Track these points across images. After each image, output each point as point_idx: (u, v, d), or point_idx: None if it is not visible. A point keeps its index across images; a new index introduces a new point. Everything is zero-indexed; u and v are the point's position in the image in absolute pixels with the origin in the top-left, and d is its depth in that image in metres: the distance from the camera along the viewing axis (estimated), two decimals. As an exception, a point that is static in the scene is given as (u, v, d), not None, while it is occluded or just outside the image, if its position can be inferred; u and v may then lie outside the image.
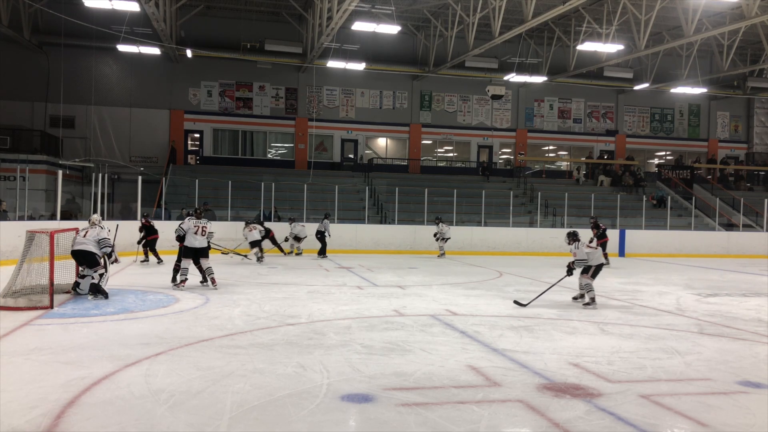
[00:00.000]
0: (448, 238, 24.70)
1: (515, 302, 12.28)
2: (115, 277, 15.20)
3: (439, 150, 40.29)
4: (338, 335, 9.03)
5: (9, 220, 20.60)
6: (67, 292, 12.48)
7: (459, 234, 27.70)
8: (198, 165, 35.70)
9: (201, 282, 14.55)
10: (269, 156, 37.26)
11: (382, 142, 39.46)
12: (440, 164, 39.78)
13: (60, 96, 30.74)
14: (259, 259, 21.11)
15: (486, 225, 28.92)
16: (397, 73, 37.33)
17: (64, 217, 21.71)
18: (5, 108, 32.86)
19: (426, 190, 28.98)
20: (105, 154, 33.22)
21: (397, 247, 26.27)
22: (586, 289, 12.73)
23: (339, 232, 26.32)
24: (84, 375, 6.68)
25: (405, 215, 28.37)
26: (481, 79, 37.54)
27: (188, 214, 15.40)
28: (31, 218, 23.21)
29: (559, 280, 13.52)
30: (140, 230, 19.93)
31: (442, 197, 30.57)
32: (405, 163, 38.82)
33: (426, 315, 11.06)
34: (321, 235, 24.00)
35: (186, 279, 14.09)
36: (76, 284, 12.49)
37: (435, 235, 24.83)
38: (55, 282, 11.25)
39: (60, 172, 21.18)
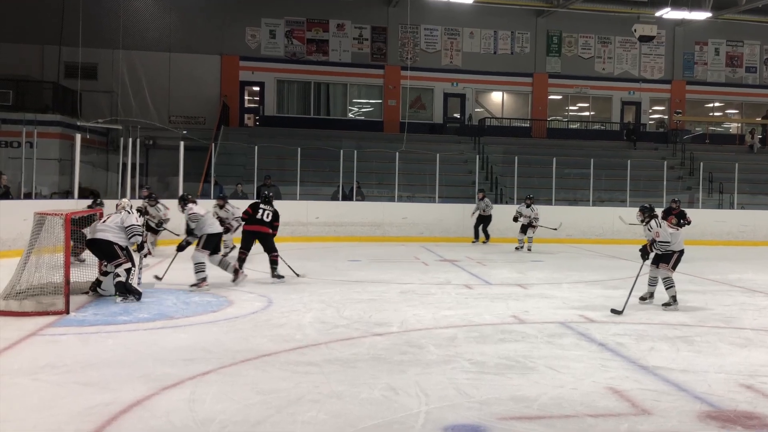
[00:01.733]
0: (536, 227, 24.00)
1: (612, 311, 11.98)
2: (148, 273, 14.99)
3: (571, 107, 39.89)
4: (440, 348, 8.99)
5: (12, 198, 20.45)
6: (85, 293, 12.31)
7: (597, 216, 27.47)
8: (257, 127, 36.15)
9: (233, 279, 14.49)
10: (350, 115, 37.52)
11: (496, 98, 39.26)
12: (572, 126, 39.40)
13: (78, 38, 29.26)
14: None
15: (632, 205, 28.43)
16: (516, 7, 37.02)
17: (83, 195, 21.34)
18: (8, 53, 32.58)
19: (554, 159, 28.69)
20: (136, 113, 32.45)
21: (516, 234, 26.04)
22: (666, 284, 12.40)
23: (440, 214, 26.30)
24: (109, 400, 6.71)
25: (526, 192, 28.04)
26: (626, 15, 36.75)
27: (187, 201, 14.65)
28: (41, 196, 23.26)
29: (640, 269, 13.08)
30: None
31: (575, 168, 30.23)
32: (527, 124, 38.57)
33: (554, 322, 10.98)
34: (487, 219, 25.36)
35: (206, 276, 13.86)
36: (98, 282, 12.40)
37: (516, 219, 23.76)
38: (71, 279, 11.23)
39: (78, 136, 21.34)
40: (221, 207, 18.67)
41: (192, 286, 13.51)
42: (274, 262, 15.00)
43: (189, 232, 14.08)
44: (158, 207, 18.97)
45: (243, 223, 15.26)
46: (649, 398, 7.04)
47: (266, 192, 15.90)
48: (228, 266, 14.29)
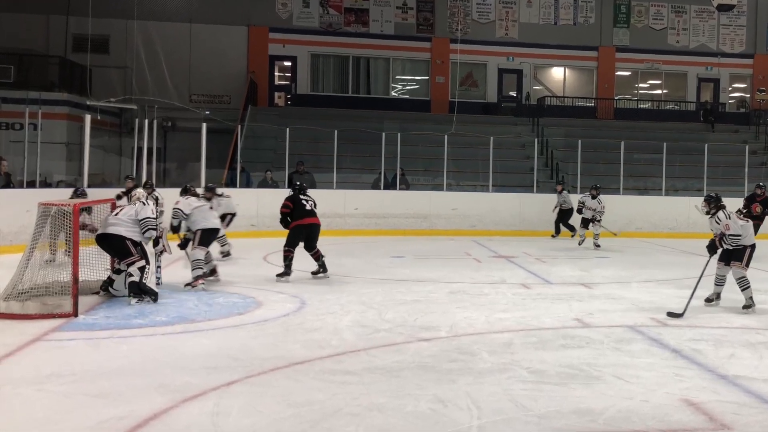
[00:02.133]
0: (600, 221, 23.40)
1: (669, 314, 11.87)
2: (167, 271, 14.69)
3: (641, 85, 39.67)
4: (494, 356, 8.98)
5: (13, 187, 20.46)
6: (96, 293, 12.24)
7: (671, 207, 27.24)
8: (289, 107, 36.22)
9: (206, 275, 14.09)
10: (393, 94, 37.49)
11: (557, 74, 39.13)
12: (642, 106, 39.17)
13: (88, 6, 28.78)
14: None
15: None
16: (580, -29, 36.91)
17: (93, 184, 21.11)
18: (9, 24, 32.13)
19: (622, 143, 28.50)
20: (153, 92, 31.85)
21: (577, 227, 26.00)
22: (741, 284, 12.24)
23: (494, 204, 26.24)
24: (123, 413, 6.65)
25: (591, 180, 27.81)
26: (703, -20, 36.66)
27: (187, 193, 14.85)
28: (46, 184, 23.16)
29: (705, 266, 12.91)
30: None
31: (646, 153, 30.01)
32: (591, 103, 38.42)
33: (622, 326, 10.93)
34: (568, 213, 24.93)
35: (205, 273, 13.86)
36: (110, 282, 12.33)
37: (580, 210, 23.22)
38: (80, 278, 11.14)
39: (88, 117, 21.47)
40: (208, 200, 16.66)
41: (186, 285, 13.45)
42: (322, 257, 15.08)
43: (174, 229, 14.06)
44: (154, 196, 18.92)
45: (289, 221, 15.04)
46: (729, 411, 6.98)
47: (298, 183, 15.80)
48: (209, 263, 14.23)
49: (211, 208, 14.72)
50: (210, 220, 14.13)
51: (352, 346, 9.39)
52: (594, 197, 22.66)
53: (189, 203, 14.09)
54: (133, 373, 7.97)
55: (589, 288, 14.65)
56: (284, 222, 15.06)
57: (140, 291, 11.77)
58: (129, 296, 11.79)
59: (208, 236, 13.97)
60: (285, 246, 14.89)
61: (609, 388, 7.66)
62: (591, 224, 22.62)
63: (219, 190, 18.22)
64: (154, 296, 11.93)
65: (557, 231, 25.30)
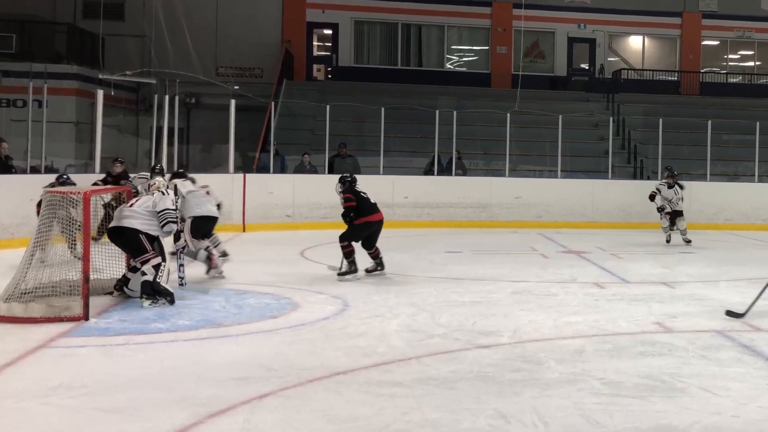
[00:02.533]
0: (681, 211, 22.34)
1: (728, 313, 11.79)
2: (189, 269, 14.37)
3: (731, 56, 39.42)
4: (563, 365, 8.95)
5: (15, 172, 20.28)
6: (109, 293, 12.20)
7: (765, 196, 26.93)
8: (329, 81, 36.22)
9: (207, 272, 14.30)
10: (448, 66, 37.45)
11: (635, 44, 38.97)
12: (732, 80, 38.87)
13: None
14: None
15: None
16: (661, -74, 36.73)
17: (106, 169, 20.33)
18: None
19: (709, 122, 28.23)
20: (175, 64, 30.99)
21: (659, 219, 25.86)
22: None
23: (563, 192, 26.15)
24: (140, 430, 6.66)
25: (674, 164, 27.73)
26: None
27: (181, 176, 14.95)
28: (51, 170, 22.73)
29: None
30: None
31: (737, 134, 29.83)
32: (674, 77, 38.16)
33: (709, 331, 10.85)
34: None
35: (210, 254, 14.05)
36: (125, 281, 12.23)
37: (653, 198, 22.01)
38: (92, 276, 11.10)
39: (100, 93, 21.35)
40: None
41: (214, 274, 13.78)
42: (380, 254, 15.13)
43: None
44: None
45: (352, 216, 14.98)
46: (832, 429, 6.94)
47: (349, 175, 15.68)
48: (197, 254, 14.23)
49: (208, 193, 14.69)
50: (205, 207, 14.25)
51: (401, 354, 9.36)
52: (670, 186, 21.79)
53: (185, 185, 14.23)
54: (152, 385, 7.92)
55: (671, 287, 14.58)
56: (348, 218, 14.92)
57: (154, 291, 11.66)
58: (141, 297, 11.66)
59: (201, 225, 14.12)
60: (343, 240, 14.74)
61: (694, 402, 7.61)
62: (672, 216, 22.13)
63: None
64: (169, 297, 11.80)
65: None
